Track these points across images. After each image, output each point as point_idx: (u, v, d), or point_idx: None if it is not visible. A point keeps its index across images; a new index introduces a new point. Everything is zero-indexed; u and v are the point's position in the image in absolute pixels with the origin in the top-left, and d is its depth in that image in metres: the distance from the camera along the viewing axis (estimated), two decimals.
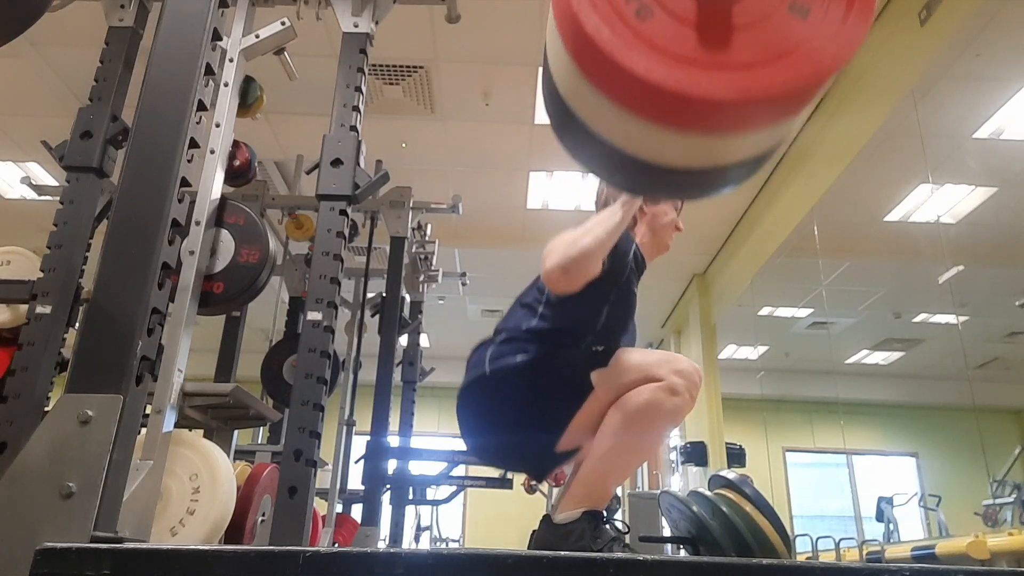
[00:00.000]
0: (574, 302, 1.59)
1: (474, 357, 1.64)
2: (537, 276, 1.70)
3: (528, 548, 1.48)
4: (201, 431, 2.28)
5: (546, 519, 1.49)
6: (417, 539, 7.31)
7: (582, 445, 1.57)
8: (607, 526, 1.47)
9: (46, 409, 1.90)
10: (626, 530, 1.59)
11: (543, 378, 1.54)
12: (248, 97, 2.34)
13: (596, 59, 0.73)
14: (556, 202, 6.53)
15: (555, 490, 8.19)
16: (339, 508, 4.02)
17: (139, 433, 1.65)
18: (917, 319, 8.15)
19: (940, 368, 9.14)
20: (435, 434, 10.90)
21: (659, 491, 6.73)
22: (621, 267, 1.67)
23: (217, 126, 2.14)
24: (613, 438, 1.46)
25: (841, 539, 5.46)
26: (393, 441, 4.15)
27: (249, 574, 0.89)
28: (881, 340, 8.85)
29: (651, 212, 1.87)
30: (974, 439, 7.35)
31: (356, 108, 2.14)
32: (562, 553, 0.91)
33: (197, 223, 2.02)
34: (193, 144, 1.45)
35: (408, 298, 4.67)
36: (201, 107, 1.47)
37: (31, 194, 4.55)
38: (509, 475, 4.48)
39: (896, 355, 9.27)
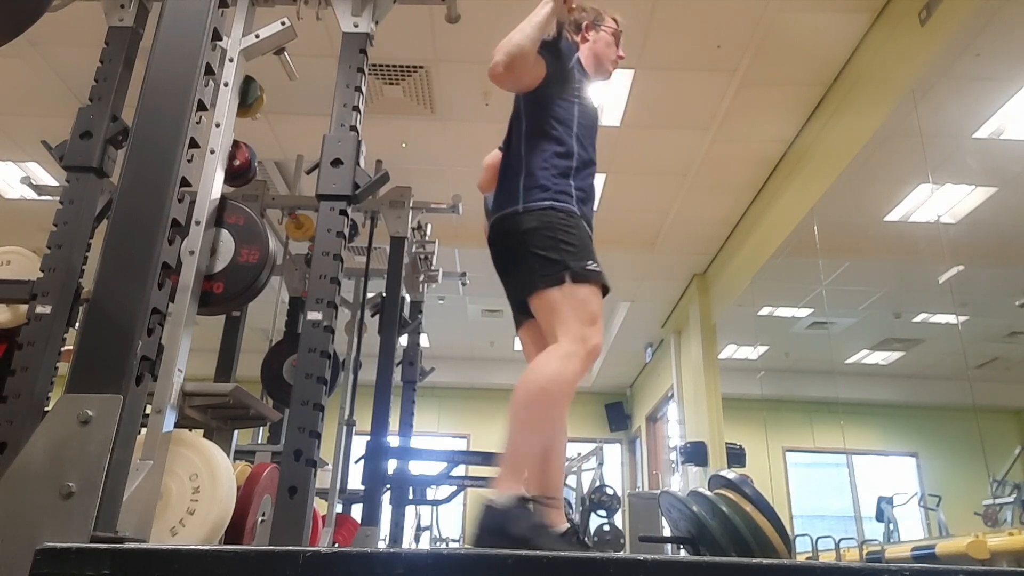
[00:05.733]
0: (552, 100, 1.86)
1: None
2: None
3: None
4: (201, 431, 2.28)
5: (487, 504, 1.54)
6: (417, 539, 7.32)
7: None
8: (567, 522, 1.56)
9: (46, 409, 1.89)
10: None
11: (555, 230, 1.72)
12: (248, 97, 2.33)
13: None
14: None
15: None
16: (339, 508, 4.02)
17: (139, 433, 1.65)
18: (917, 319, 8.15)
19: (940, 368, 9.13)
20: (435, 434, 10.90)
21: (659, 491, 6.74)
22: (562, 62, 1.91)
23: (217, 126, 2.14)
24: (518, 418, 1.56)
25: (841, 539, 5.46)
26: (393, 441, 4.16)
27: (249, 574, 0.89)
28: (881, 340, 8.84)
29: (594, 39, 2.10)
30: (974, 439, 7.33)
31: (356, 108, 2.14)
32: (562, 553, 0.91)
33: (197, 223, 2.02)
34: (193, 144, 1.45)
35: (408, 298, 4.67)
36: (201, 107, 1.47)
37: (31, 194, 4.54)
38: None
39: (896, 355, 9.26)
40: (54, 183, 5.04)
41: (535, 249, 1.70)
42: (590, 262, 1.70)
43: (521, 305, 1.80)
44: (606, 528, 7.03)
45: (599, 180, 6.09)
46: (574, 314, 1.65)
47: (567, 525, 1.60)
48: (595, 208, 1.96)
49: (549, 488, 1.66)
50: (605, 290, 1.75)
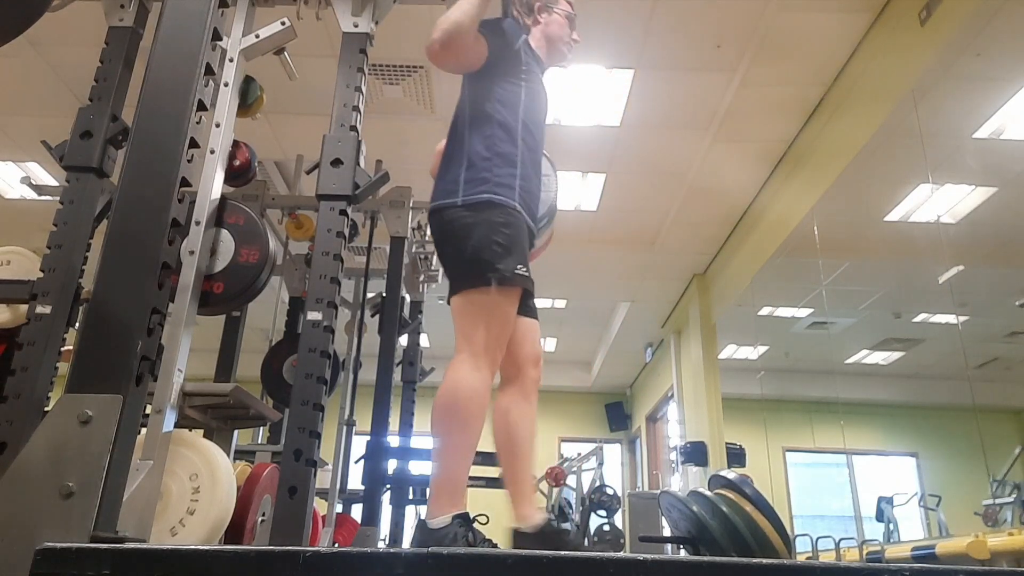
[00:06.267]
0: (495, 82, 1.81)
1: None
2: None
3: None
4: (201, 431, 2.28)
5: (421, 524, 1.55)
6: None
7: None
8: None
9: (46, 409, 1.89)
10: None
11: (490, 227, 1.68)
12: (248, 97, 2.34)
13: None
14: None
15: (554, 490, 8.19)
16: (339, 508, 4.02)
17: (139, 433, 1.65)
18: (917, 319, 8.15)
19: (940, 368, 9.13)
20: None
21: (659, 491, 6.73)
22: (507, 42, 1.86)
23: (217, 126, 2.14)
24: (437, 440, 1.59)
25: (841, 539, 5.46)
26: (393, 441, 4.15)
27: (249, 574, 0.89)
28: (881, 340, 8.84)
29: (546, 21, 2.04)
30: (974, 439, 7.33)
31: (356, 108, 2.14)
32: (562, 553, 0.91)
33: (197, 223, 2.02)
34: (193, 144, 1.45)
35: (408, 298, 4.67)
36: (201, 107, 1.47)
37: (31, 194, 4.54)
38: None
39: (896, 355, 9.26)
40: (54, 183, 5.04)
41: (467, 246, 1.67)
42: (520, 266, 1.66)
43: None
44: (606, 528, 7.03)
45: (598, 180, 6.10)
46: (485, 322, 1.64)
47: (544, 516, 1.60)
48: (554, 200, 1.92)
49: (463, 493, 1.64)
50: (527, 293, 1.72)
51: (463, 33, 1.70)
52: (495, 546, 1.50)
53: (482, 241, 1.65)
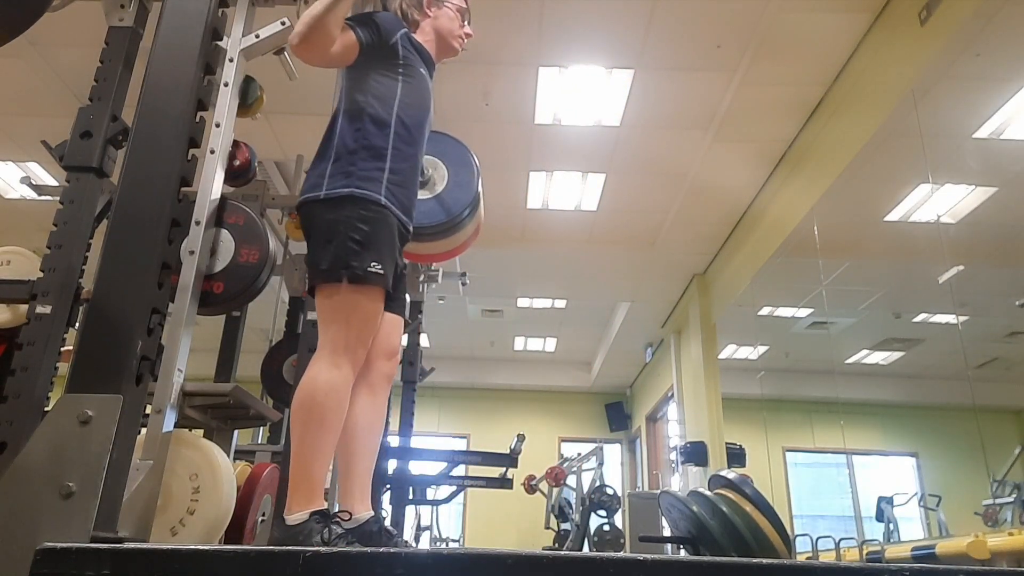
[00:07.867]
0: (369, 75, 1.81)
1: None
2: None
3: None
4: (201, 431, 2.28)
5: (279, 519, 1.52)
6: (417, 539, 7.32)
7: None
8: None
9: (46, 409, 1.89)
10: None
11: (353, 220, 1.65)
12: (248, 97, 2.33)
13: None
14: (556, 202, 6.53)
15: (554, 490, 8.19)
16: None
17: (139, 433, 1.65)
18: (917, 319, 8.15)
19: (940, 368, 9.13)
20: (435, 434, 10.91)
21: (659, 491, 6.74)
22: (381, 36, 1.83)
23: (217, 126, 2.14)
24: (296, 435, 1.54)
25: (841, 539, 5.46)
26: (393, 441, 4.15)
27: (249, 574, 0.89)
28: (881, 340, 8.85)
29: (435, 15, 2.05)
30: (974, 439, 7.33)
31: None
32: (562, 553, 0.91)
33: (197, 223, 2.02)
34: (193, 144, 1.45)
35: (408, 298, 4.67)
36: (201, 107, 1.47)
37: (31, 194, 4.53)
38: (509, 475, 4.48)
39: (896, 355, 9.26)
40: (54, 183, 5.03)
41: (323, 240, 1.64)
42: (374, 263, 1.62)
43: None
44: (606, 528, 7.04)
45: (598, 180, 6.10)
46: (344, 319, 1.61)
47: (369, 515, 1.60)
48: (476, 192, 1.86)
49: (320, 490, 1.61)
50: (388, 294, 1.69)
51: (322, 27, 1.67)
52: (353, 543, 1.47)
53: (338, 237, 1.62)
